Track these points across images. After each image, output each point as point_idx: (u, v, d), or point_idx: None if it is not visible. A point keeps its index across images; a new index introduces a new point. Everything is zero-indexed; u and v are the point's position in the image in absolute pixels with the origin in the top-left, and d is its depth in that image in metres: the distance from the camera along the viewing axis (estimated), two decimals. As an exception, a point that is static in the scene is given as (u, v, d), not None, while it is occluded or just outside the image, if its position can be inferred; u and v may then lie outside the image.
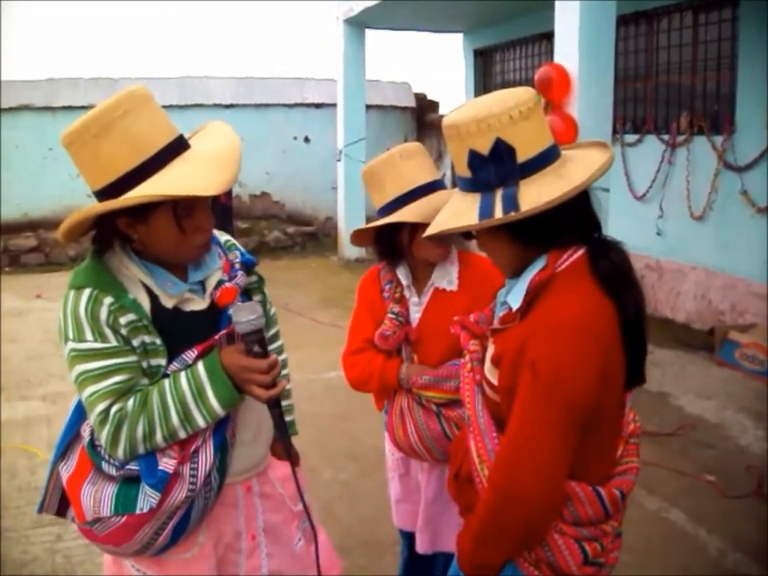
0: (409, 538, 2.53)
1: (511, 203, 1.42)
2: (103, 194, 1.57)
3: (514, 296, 1.55)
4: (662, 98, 7.41)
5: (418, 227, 2.14)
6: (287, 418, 2.01)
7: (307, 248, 11.77)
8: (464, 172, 1.51)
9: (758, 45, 6.11)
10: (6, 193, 10.67)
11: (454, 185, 1.64)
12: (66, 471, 1.75)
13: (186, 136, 1.68)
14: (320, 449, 4.25)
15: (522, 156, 1.45)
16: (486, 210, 1.45)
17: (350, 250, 10.57)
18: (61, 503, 1.83)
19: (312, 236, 12.05)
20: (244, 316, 1.65)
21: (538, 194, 1.43)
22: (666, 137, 7.20)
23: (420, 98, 13.19)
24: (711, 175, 6.64)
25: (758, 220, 6.23)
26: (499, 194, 1.45)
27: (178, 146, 1.59)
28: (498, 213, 1.44)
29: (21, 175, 10.77)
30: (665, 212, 7.17)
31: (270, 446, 1.97)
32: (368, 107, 10.82)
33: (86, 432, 1.73)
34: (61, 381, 5.65)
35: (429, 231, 1.61)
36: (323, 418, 4.79)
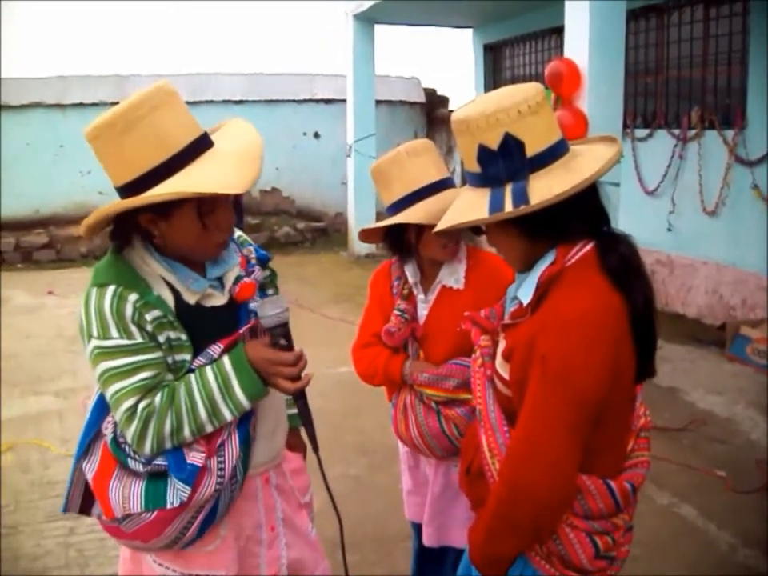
0: (419, 530, 2.54)
1: (521, 197, 1.43)
2: (126, 190, 1.58)
3: (524, 291, 1.55)
4: (673, 92, 7.38)
5: (424, 226, 2.15)
6: (291, 411, 2.04)
7: (317, 243, 11.79)
8: (473, 167, 1.52)
9: (770, 38, 6.08)
10: (17, 190, 10.74)
11: (464, 180, 1.65)
12: (90, 470, 1.75)
13: None
14: (330, 444, 4.25)
15: (530, 150, 1.46)
16: (496, 204, 1.46)
17: (360, 246, 10.56)
18: (83, 500, 1.83)
19: (322, 231, 12.07)
20: (270, 310, 1.67)
21: (547, 187, 1.43)
22: (676, 131, 7.17)
23: (430, 94, 13.17)
24: (722, 170, 6.61)
25: (770, 214, 6.21)
26: (509, 189, 1.46)
27: (203, 144, 1.60)
28: (509, 206, 1.45)
29: (32, 172, 10.83)
30: (676, 207, 7.15)
31: (286, 438, 2.00)
32: (377, 103, 10.81)
33: (107, 429, 1.73)
34: (72, 377, 5.69)
35: (439, 226, 1.61)
36: (333, 413, 4.80)
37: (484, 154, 1.47)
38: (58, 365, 6.04)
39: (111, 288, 1.62)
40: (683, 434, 4.56)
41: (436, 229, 1.63)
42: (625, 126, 6.94)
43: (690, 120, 7.01)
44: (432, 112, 12.97)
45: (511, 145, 1.44)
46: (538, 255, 1.55)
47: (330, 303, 7.97)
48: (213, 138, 1.65)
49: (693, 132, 6.98)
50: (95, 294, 1.63)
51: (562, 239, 1.51)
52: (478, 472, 1.64)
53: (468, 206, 1.54)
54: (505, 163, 1.46)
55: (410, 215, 2.15)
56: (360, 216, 10.44)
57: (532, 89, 1.49)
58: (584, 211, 1.51)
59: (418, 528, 2.55)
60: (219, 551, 1.80)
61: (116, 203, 1.57)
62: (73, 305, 7.37)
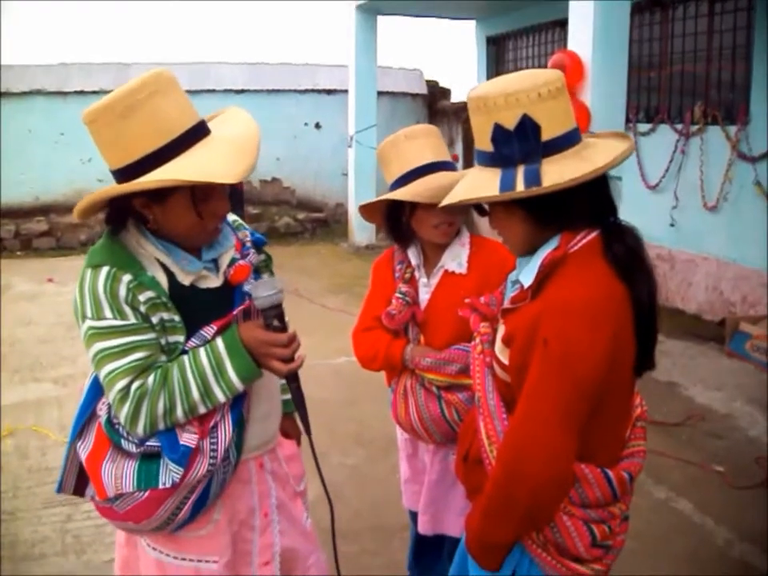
0: (417, 518, 2.55)
1: (533, 178, 1.43)
2: (122, 174, 1.59)
3: (526, 274, 1.55)
4: (676, 87, 7.36)
5: (417, 206, 2.19)
6: (286, 396, 2.04)
7: (317, 234, 11.78)
8: (486, 146, 1.51)
9: (774, 34, 6.06)
10: (18, 177, 10.72)
11: (466, 167, 1.64)
12: (84, 450, 1.76)
13: None
14: (328, 433, 4.26)
15: (546, 135, 1.45)
16: (507, 184, 1.45)
17: (360, 237, 10.58)
18: (78, 482, 1.84)
19: (322, 222, 12.05)
20: (264, 291, 1.68)
21: (560, 172, 1.43)
22: (679, 126, 7.16)
23: (432, 85, 13.13)
24: (725, 165, 6.60)
25: (771, 211, 6.20)
26: (521, 170, 1.45)
27: (200, 131, 1.61)
28: (520, 186, 1.44)
29: (32, 160, 10.81)
30: (679, 202, 7.13)
31: (279, 423, 2.00)
32: (379, 94, 10.78)
33: (102, 410, 1.74)
34: (72, 364, 5.69)
35: (445, 201, 1.60)
36: (331, 402, 4.80)
37: (499, 133, 1.46)
38: (57, 352, 6.05)
39: (105, 269, 1.63)
40: (681, 428, 4.57)
41: (442, 203, 1.63)
42: (627, 120, 6.93)
43: (693, 115, 6.99)
44: (434, 104, 12.93)
45: (528, 126, 1.44)
46: (541, 240, 1.55)
47: (330, 294, 7.97)
48: (210, 125, 1.66)
49: (695, 127, 6.96)
50: (89, 275, 1.64)
51: (567, 226, 1.51)
52: (476, 459, 1.64)
53: (477, 183, 1.53)
54: (519, 144, 1.45)
55: (397, 193, 2.19)
56: (360, 207, 10.43)
57: (553, 74, 1.48)
58: (592, 200, 1.51)
59: (415, 516, 2.56)
60: (212, 536, 1.81)
61: (109, 188, 1.58)
62: (72, 292, 7.34)
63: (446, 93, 13.18)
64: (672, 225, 7.21)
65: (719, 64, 6.81)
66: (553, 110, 1.46)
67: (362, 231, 10.57)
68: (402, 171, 2.23)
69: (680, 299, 7.18)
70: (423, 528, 2.45)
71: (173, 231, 1.68)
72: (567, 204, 1.48)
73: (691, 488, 3.82)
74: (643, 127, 7.58)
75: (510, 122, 1.45)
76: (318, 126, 12.34)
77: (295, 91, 12.17)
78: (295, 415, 2.11)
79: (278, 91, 12.01)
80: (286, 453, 2.02)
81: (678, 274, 7.21)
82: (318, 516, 2.16)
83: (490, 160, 1.52)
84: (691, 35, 7.11)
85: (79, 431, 1.78)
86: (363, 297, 2.48)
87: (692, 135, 7.01)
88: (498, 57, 10.99)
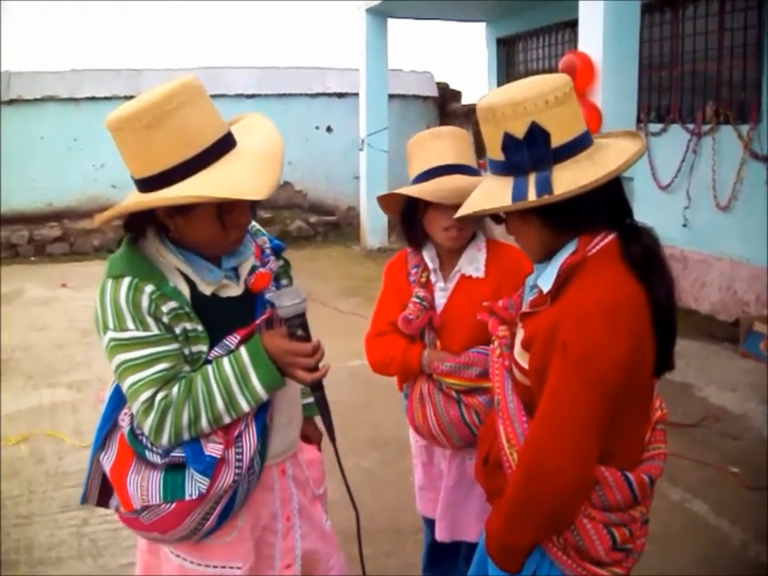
0: (432, 525, 2.54)
1: (545, 186, 1.43)
2: (146, 184, 1.57)
3: (545, 279, 1.55)
4: (688, 86, 7.33)
5: (429, 207, 2.18)
6: (306, 400, 2.04)
7: (329, 237, 11.78)
8: (497, 155, 1.52)
9: (786, 32, 6.04)
10: (31, 183, 10.78)
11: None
12: (107, 462, 1.75)
13: None
14: (343, 436, 4.18)
15: (555, 141, 1.46)
16: (519, 193, 1.46)
17: (372, 240, 10.58)
18: (101, 493, 1.84)
19: (334, 225, 12.06)
20: (288, 300, 1.68)
21: (571, 178, 1.43)
22: (691, 126, 7.13)
23: (442, 88, 13.13)
24: (737, 165, 6.57)
25: (784, 210, 6.17)
26: (533, 178, 1.46)
27: (227, 143, 1.59)
28: (532, 195, 1.45)
29: (45, 166, 10.86)
30: (692, 202, 7.10)
31: (300, 429, 2.01)
32: (390, 97, 10.79)
33: (124, 421, 1.73)
34: (86, 369, 5.72)
35: (459, 213, 1.61)
36: (346, 405, 4.80)
37: (509, 142, 1.47)
38: (71, 357, 6.07)
39: (127, 279, 1.61)
40: (696, 429, 4.55)
41: (457, 215, 1.63)
42: (638, 120, 6.92)
43: (705, 114, 6.96)
44: (445, 106, 12.93)
45: (537, 134, 1.45)
46: (557, 245, 1.55)
47: (342, 297, 7.98)
48: (234, 134, 1.64)
49: (707, 127, 6.94)
50: (111, 286, 1.62)
51: (584, 230, 1.51)
52: (496, 462, 1.64)
53: (490, 193, 1.54)
54: (529, 152, 1.46)
55: (409, 189, 2.19)
56: (372, 210, 10.43)
57: (560, 80, 1.49)
58: (607, 203, 1.51)
59: (430, 523, 2.55)
60: (236, 542, 1.81)
61: (138, 202, 1.57)
62: (86, 297, 7.41)
63: (456, 95, 13.19)
64: (685, 225, 7.18)
65: (730, 63, 6.78)
66: (561, 116, 1.47)
67: (374, 234, 10.58)
68: (421, 169, 2.22)
69: (693, 299, 7.15)
70: (441, 535, 2.43)
71: (195, 241, 1.66)
72: (583, 208, 1.48)
73: (706, 489, 3.81)
74: (655, 127, 7.56)
75: (519, 131, 1.46)
76: (329, 129, 12.36)
77: (306, 95, 12.19)
78: (316, 419, 2.11)
79: (288, 95, 12.03)
80: (306, 457, 2.03)
81: (691, 274, 7.18)
82: (335, 519, 2.17)
83: (501, 168, 1.53)
84: (702, 34, 7.08)
85: (102, 442, 1.78)
86: (375, 300, 2.46)
87: (704, 135, 6.98)
88: (509, 58, 10.99)
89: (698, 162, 7.05)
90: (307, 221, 11.86)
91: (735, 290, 6.71)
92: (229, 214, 1.62)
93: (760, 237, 6.43)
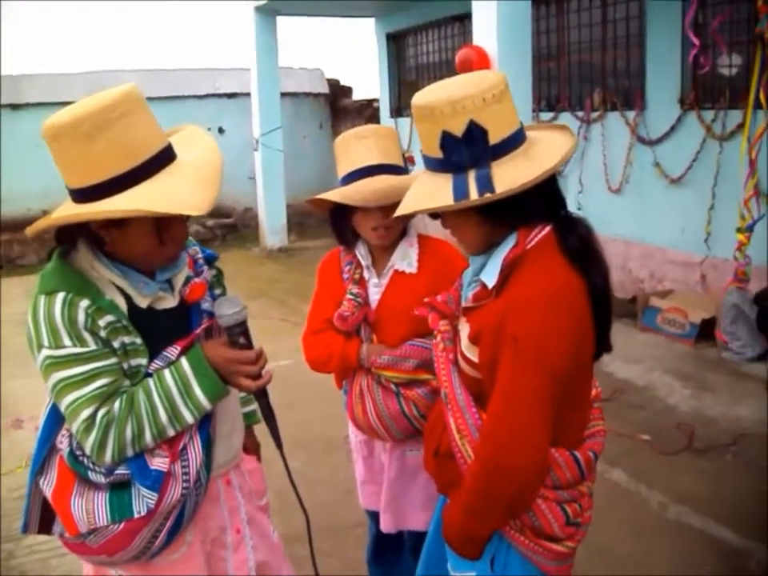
0: (376, 518, 2.57)
1: (486, 185, 1.46)
2: (82, 195, 1.53)
3: (488, 274, 1.58)
4: (575, 76, 7.62)
5: (356, 208, 2.19)
6: (248, 408, 2.04)
7: (228, 240, 11.62)
8: (435, 152, 1.54)
9: (665, 22, 6.35)
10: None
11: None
12: (48, 487, 1.69)
13: None
14: (269, 439, 4.22)
15: (493, 138, 1.49)
16: (460, 192, 1.48)
17: (271, 240, 10.52)
18: (41, 519, 1.77)
19: (232, 228, 11.91)
20: (229, 309, 1.67)
21: (512, 175, 1.47)
22: (580, 113, 7.42)
23: (333, 84, 13.14)
24: (626, 149, 6.89)
25: (672, 191, 6.51)
26: (472, 175, 1.49)
27: (167, 155, 1.56)
28: (474, 194, 1.47)
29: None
30: (584, 187, 7.38)
31: (243, 438, 1.99)
32: (282, 95, 10.71)
33: (62, 443, 1.68)
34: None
35: (399, 211, 1.62)
36: (267, 408, 4.77)
37: (448, 140, 1.49)
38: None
39: (61, 295, 1.57)
40: (606, 403, 4.73)
41: (395, 214, 1.65)
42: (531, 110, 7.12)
43: (593, 102, 7.25)
44: (336, 102, 12.95)
45: (475, 132, 1.47)
46: (496, 239, 1.59)
47: (247, 299, 7.69)
48: (174, 146, 1.61)
49: (596, 114, 7.23)
50: (44, 302, 1.57)
51: (522, 223, 1.55)
52: (447, 454, 1.67)
53: (430, 191, 1.55)
54: (468, 150, 1.48)
55: (329, 194, 2.21)
56: (270, 210, 10.42)
57: (496, 77, 1.53)
58: (544, 196, 1.56)
59: (374, 516, 2.58)
60: (186, 558, 1.78)
61: (75, 213, 1.53)
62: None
63: (347, 91, 13.22)
64: (579, 209, 7.45)
65: (615, 52, 7.09)
66: (498, 114, 1.50)
67: (273, 234, 10.52)
68: (347, 170, 2.22)
69: (592, 280, 7.43)
70: (386, 526, 2.46)
71: (131, 254, 1.63)
72: (521, 204, 1.52)
73: (623, 458, 4.00)
74: (546, 116, 7.81)
75: (458, 129, 1.48)
76: (221, 130, 12.14)
77: (195, 96, 11.96)
78: (254, 429, 2.11)
79: (177, 97, 11.74)
80: (247, 467, 2.01)
81: (588, 256, 7.45)
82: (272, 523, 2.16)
83: (439, 166, 1.54)
84: (587, 26, 7.36)
85: (40, 466, 1.72)
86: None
87: (593, 122, 7.28)
88: (399, 53, 11.10)
89: (588, 148, 7.33)
90: (204, 224, 11.64)
91: (630, 268, 7.03)
92: (166, 228, 1.60)
93: (650, 217, 6.77)
